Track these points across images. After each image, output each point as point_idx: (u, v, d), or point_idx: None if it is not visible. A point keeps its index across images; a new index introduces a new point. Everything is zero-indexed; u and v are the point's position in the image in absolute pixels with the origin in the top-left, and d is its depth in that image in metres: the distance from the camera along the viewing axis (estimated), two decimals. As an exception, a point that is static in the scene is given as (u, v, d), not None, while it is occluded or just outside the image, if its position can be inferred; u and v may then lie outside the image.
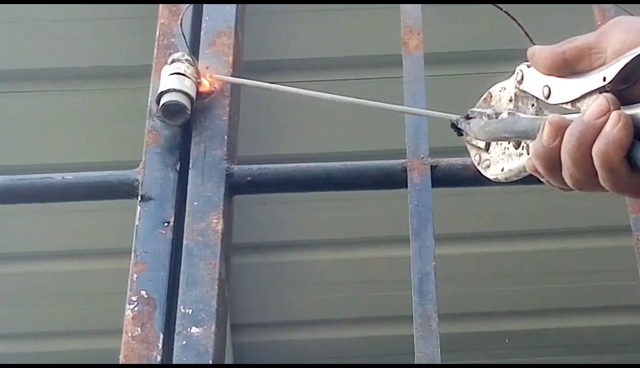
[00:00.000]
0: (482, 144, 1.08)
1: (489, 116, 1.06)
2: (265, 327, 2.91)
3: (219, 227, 1.49)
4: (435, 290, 1.46)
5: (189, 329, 1.39)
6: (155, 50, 1.67)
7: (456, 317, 2.77)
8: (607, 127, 0.87)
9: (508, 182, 1.05)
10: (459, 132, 1.11)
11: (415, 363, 1.40)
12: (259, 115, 2.34)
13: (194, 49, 1.65)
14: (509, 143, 1.03)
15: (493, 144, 1.06)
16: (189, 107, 1.56)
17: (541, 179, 0.97)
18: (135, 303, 1.42)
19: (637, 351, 2.85)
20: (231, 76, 1.63)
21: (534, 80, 0.99)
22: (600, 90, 0.91)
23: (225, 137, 1.58)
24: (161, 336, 1.39)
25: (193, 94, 1.57)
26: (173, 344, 1.39)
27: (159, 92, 1.56)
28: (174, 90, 1.55)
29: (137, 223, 1.50)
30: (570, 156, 0.89)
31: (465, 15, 2.36)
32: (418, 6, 1.74)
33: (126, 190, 1.56)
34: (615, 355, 2.95)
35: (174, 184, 1.54)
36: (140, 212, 1.51)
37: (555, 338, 2.96)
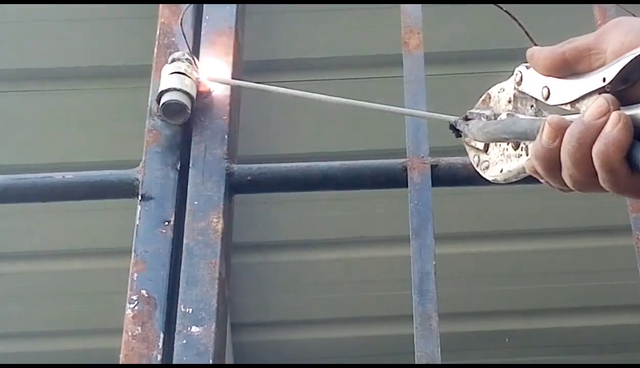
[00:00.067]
0: (480, 145, 1.07)
1: (487, 117, 1.06)
2: (265, 327, 2.91)
3: (219, 227, 1.49)
4: (435, 289, 1.46)
5: (189, 328, 1.39)
6: (155, 50, 1.67)
7: (456, 317, 2.77)
8: (607, 128, 0.87)
9: (507, 183, 1.05)
10: (458, 133, 1.10)
11: (416, 362, 1.40)
12: (259, 115, 2.34)
13: (194, 49, 1.65)
14: (508, 144, 1.03)
15: (492, 145, 1.06)
16: (189, 107, 1.56)
17: (540, 180, 0.97)
18: (136, 302, 1.42)
19: (637, 351, 2.85)
20: (231, 76, 1.63)
21: (533, 81, 0.99)
22: (600, 90, 0.91)
23: (226, 137, 1.58)
24: (161, 335, 1.39)
25: (193, 93, 1.57)
26: (173, 343, 1.39)
27: (159, 91, 1.56)
28: (174, 89, 1.55)
29: (137, 222, 1.50)
30: (570, 157, 0.89)
31: (465, 15, 2.36)
32: (418, 6, 1.74)
33: (126, 190, 1.56)
34: (615, 355, 2.95)
35: (174, 183, 1.54)
36: (140, 211, 1.52)
37: (555, 338, 2.96)
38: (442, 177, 1.57)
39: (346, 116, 2.40)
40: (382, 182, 1.60)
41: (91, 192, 1.59)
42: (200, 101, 1.59)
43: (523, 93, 1.02)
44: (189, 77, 1.56)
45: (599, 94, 0.90)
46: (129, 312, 1.41)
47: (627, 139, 0.86)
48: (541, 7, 2.23)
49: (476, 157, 1.09)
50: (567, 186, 0.93)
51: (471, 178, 1.52)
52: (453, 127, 1.11)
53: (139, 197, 1.53)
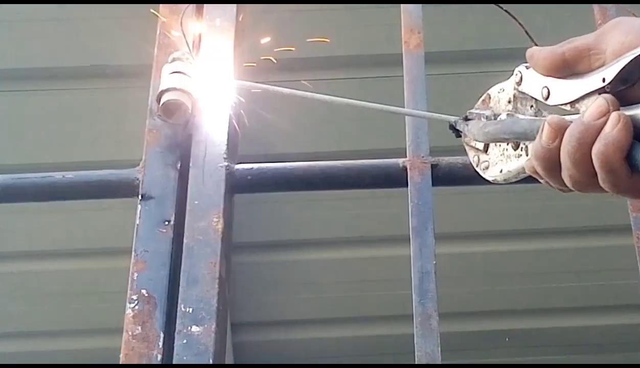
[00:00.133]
0: (480, 146, 1.07)
1: (487, 117, 1.06)
2: (265, 326, 2.91)
3: (219, 226, 1.49)
4: (435, 289, 1.46)
5: (189, 328, 1.39)
6: (155, 49, 1.67)
7: (456, 316, 2.77)
8: (607, 128, 0.87)
9: (507, 183, 1.05)
10: (458, 133, 1.10)
11: (416, 362, 1.40)
12: (259, 115, 2.34)
13: (194, 48, 1.65)
14: (507, 144, 1.03)
15: (492, 145, 1.06)
16: (190, 106, 1.56)
17: (540, 180, 0.97)
18: (136, 302, 1.42)
19: (637, 351, 2.85)
20: (231, 76, 1.62)
21: (533, 82, 0.99)
22: (600, 91, 0.91)
23: (226, 137, 1.58)
24: (161, 335, 1.39)
25: (193, 92, 1.57)
26: (173, 343, 1.39)
27: (159, 91, 1.56)
28: (175, 89, 1.55)
29: (137, 222, 1.50)
30: (569, 157, 0.89)
31: (465, 15, 2.36)
32: (418, 6, 1.74)
33: (127, 189, 1.56)
34: (616, 355, 2.96)
35: (175, 183, 1.54)
36: (140, 210, 1.51)
37: (555, 337, 2.96)
38: (442, 177, 1.57)
39: (346, 116, 2.40)
40: (382, 182, 1.60)
41: (91, 192, 1.59)
42: (200, 101, 1.59)
43: (523, 93, 1.02)
44: (189, 76, 1.56)
45: (599, 94, 0.90)
46: (129, 311, 1.41)
47: (627, 140, 0.86)
48: (541, 7, 2.23)
49: (476, 157, 1.09)
50: (566, 186, 0.93)
51: (471, 178, 1.51)
52: (453, 127, 1.11)
53: (139, 197, 1.53)
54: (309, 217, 2.65)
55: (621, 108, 0.88)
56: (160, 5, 1.73)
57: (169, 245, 1.48)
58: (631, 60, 0.88)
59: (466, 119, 1.09)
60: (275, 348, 2.93)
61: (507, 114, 1.03)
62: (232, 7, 1.73)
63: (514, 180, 1.04)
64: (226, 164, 1.56)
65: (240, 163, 1.59)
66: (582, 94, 0.93)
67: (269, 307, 2.85)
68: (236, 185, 1.56)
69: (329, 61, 2.41)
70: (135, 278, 1.44)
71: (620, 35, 0.90)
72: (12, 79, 2.43)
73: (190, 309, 1.41)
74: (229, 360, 2.79)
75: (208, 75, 1.60)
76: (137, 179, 1.54)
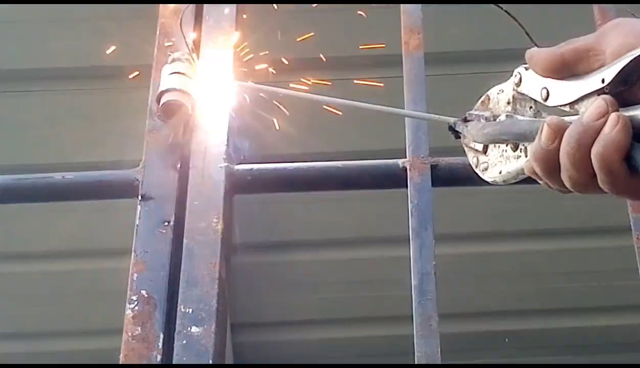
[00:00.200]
0: (479, 147, 1.07)
1: (486, 119, 1.06)
2: (265, 327, 2.91)
3: (219, 227, 1.49)
4: (435, 289, 1.46)
5: (189, 329, 1.39)
6: (155, 50, 1.67)
7: (456, 317, 2.77)
8: (606, 129, 0.87)
9: (506, 184, 1.05)
10: (457, 134, 1.10)
11: (415, 362, 1.40)
12: (259, 115, 2.34)
13: (194, 49, 1.65)
14: (507, 145, 1.03)
15: (491, 146, 1.06)
16: (189, 107, 1.56)
17: (539, 181, 0.97)
18: (136, 302, 1.42)
19: (637, 351, 2.85)
20: (231, 76, 1.62)
21: (532, 83, 0.99)
22: (599, 92, 0.91)
23: (226, 137, 1.58)
24: (161, 335, 1.39)
25: (193, 93, 1.57)
26: (173, 344, 1.39)
27: (159, 91, 1.56)
28: (174, 89, 1.55)
29: (137, 222, 1.50)
30: (569, 158, 0.89)
31: (465, 15, 2.36)
32: (418, 6, 1.74)
33: (126, 190, 1.56)
34: (615, 355, 2.96)
35: (175, 184, 1.54)
36: (140, 211, 1.51)
37: (555, 338, 2.96)
38: (442, 177, 1.57)
39: (346, 117, 2.40)
40: (382, 182, 1.60)
41: (91, 192, 1.59)
42: (200, 101, 1.59)
43: (522, 94, 1.01)
44: (188, 77, 1.56)
45: (598, 95, 0.90)
46: (128, 312, 1.41)
47: (626, 140, 0.86)
48: (541, 7, 2.23)
49: (475, 158, 1.09)
50: (566, 187, 0.93)
51: (471, 178, 1.51)
52: (452, 129, 1.11)
53: (139, 197, 1.53)
54: (309, 218, 2.65)
55: (620, 109, 0.88)
56: (160, 5, 1.73)
57: (169, 245, 1.48)
58: (630, 61, 0.88)
59: (465, 120, 1.09)
60: (275, 349, 2.93)
61: (507, 115, 1.03)
62: (232, 7, 1.73)
63: (513, 181, 1.04)
64: (226, 164, 1.56)
65: (240, 163, 1.59)
66: (581, 94, 0.93)
67: (269, 307, 2.85)
68: (236, 186, 1.56)
69: (329, 61, 2.40)
70: (135, 278, 1.44)
71: (619, 36, 0.90)
72: (11, 79, 2.43)
73: (190, 310, 1.41)
74: (228, 360, 2.79)
75: (208, 76, 1.60)
76: (137, 180, 1.54)
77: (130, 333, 1.39)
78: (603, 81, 0.90)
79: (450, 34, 2.37)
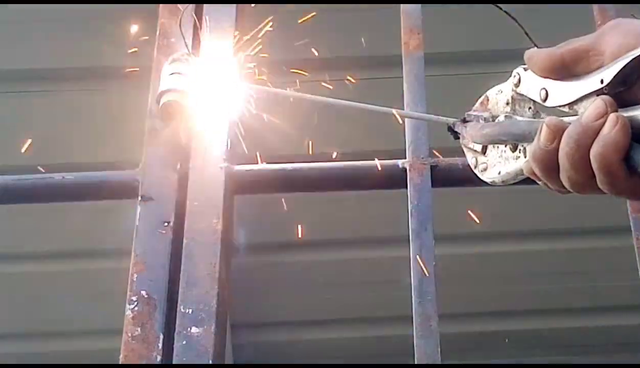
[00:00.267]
0: (478, 147, 1.07)
1: (485, 119, 1.06)
2: (265, 327, 2.91)
3: (219, 227, 1.49)
4: (435, 290, 1.46)
5: (189, 329, 1.39)
6: (155, 50, 1.67)
7: (456, 317, 2.77)
8: (605, 130, 0.87)
9: (505, 185, 1.05)
10: (456, 135, 1.10)
11: (415, 362, 1.40)
12: (258, 115, 2.34)
13: (193, 49, 1.65)
14: (506, 146, 1.03)
15: (490, 147, 1.06)
16: (189, 107, 1.56)
17: (538, 182, 0.97)
18: (135, 303, 1.42)
19: (637, 351, 2.85)
20: (231, 77, 1.62)
21: (531, 83, 0.99)
22: (598, 92, 0.91)
23: (226, 137, 1.58)
24: (161, 336, 1.39)
25: (193, 93, 1.57)
26: (173, 344, 1.39)
27: (159, 91, 1.56)
28: (174, 90, 1.55)
29: (137, 223, 1.50)
30: (568, 159, 0.89)
31: (465, 15, 2.36)
32: (418, 6, 1.74)
33: (126, 190, 1.56)
34: (615, 355, 2.96)
35: (174, 184, 1.54)
36: (140, 211, 1.51)
37: (556, 338, 2.96)
38: (441, 178, 1.57)
39: (346, 117, 2.40)
40: (382, 182, 1.60)
41: (91, 193, 1.59)
42: (200, 102, 1.59)
43: (521, 95, 1.02)
44: (188, 77, 1.56)
45: (597, 95, 0.90)
46: (128, 312, 1.41)
47: (625, 141, 0.86)
48: (541, 7, 2.23)
49: (474, 159, 1.09)
50: (565, 188, 0.93)
51: (471, 179, 1.51)
52: (451, 129, 1.11)
53: (139, 198, 1.53)
54: (308, 218, 2.65)
55: (620, 109, 0.88)
56: (160, 5, 1.73)
57: (169, 246, 1.48)
58: (629, 62, 0.88)
59: (464, 121, 1.09)
60: (275, 349, 2.92)
61: (506, 116, 1.03)
62: (232, 7, 1.73)
63: (512, 181, 1.04)
64: (226, 164, 1.56)
65: (240, 164, 1.59)
66: (580, 95, 0.93)
67: (269, 307, 2.85)
68: (236, 186, 1.56)
69: (329, 61, 2.40)
70: (134, 279, 1.44)
71: (618, 37, 0.90)
72: (11, 79, 2.43)
73: (190, 310, 1.41)
74: (228, 360, 2.79)
75: (207, 76, 1.60)
76: (137, 180, 1.54)
77: (130, 334, 1.39)
78: (602, 82, 0.90)
79: (450, 34, 2.37)
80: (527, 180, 1.01)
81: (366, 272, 2.77)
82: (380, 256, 2.72)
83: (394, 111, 1.28)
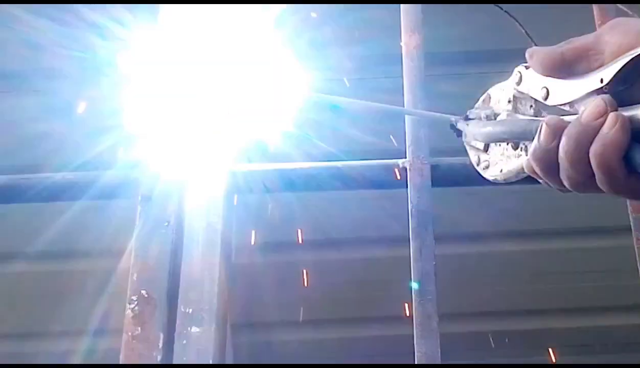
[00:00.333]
0: (480, 145, 1.08)
1: (487, 117, 1.06)
2: (265, 327, 2.90)
3: (219, 227, 1.49)
4: (435, 289, 1.46)
5: (189, 329, 1.39)
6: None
7: (456, 317, 2.77)
8: (604, 129, 0.87)
9: (507, 183, 1.06)
10: (458, 133, 1.11)
11: (416, 362, 1.40)
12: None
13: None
14: (507, 144, 1.03)
15: (492, 145, 1.06)
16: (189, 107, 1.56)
17: (539, 180, 0.97)
18: (136, 302, 1.42)
19: (637, 351, 2.85)
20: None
21: (533, 82, 0.99)
22: (598, 91, 0.91)
23: (226, 137, 1.58)
24: (161, 336, 1.39)
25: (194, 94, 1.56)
26: (173, 344, 1.39)
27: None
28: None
29: (137, 222, 1.50)
30: (567, 157, 0.89)
31: (465, 15, 2.35)
32: (418, 6, 1.74)
33: (126, 190, 1.56)
34: (615, 355, 2.95)
35: (174, 184, 1.54)
36: (140, 211, 1.51)
37: (555, 338, 2.96)
38: (442, 178, 1.57)
39: (346, 116, 2.39)
40: (382, 182, 1.60)
41: (91, 193, 1.59)
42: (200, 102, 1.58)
43: (522, 93, 1.02)
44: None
45: (597, 94, 0.90)
46: (129, 312, 1.41)
47: (625, 140, 0.86)
48: (541, 7, 2.23)
49: (476, 157, 1.09)
50: (565, 186, 0.93)
51: (471, 178, 1.51)
52: (453, 127, 1.12)
53: (139, 198, 1.53)
54: (308, 217, 2.65)
55: (619, 109, 0.88)
56: (160, 5, 1.73)
57: (169, 245, 1.48)
58: (629, 61, 0.88)
59: (466, 119, 1.10)
60: (275, 349, 2.92)
61: (507, 114, 1.03)
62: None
63: (514, 179, 1.04)
64: (226, 164, 1.56)
65: (240, 163, 1.59)
66: (580, 94, 0.93)
67: (269, 307, 2.85)
68: (236, 186, 1.56)
69: (329, 62, 2.40)
70: (135, 279, 1.44)
71: (619, 36, 0.91)
72: (11, 79, 2.43)
73: (190, 310, 1.41)
74: (228, 360, 2.79)
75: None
76: (137, 180, 1.54)
77: (130, 334, 1.39)
78: (602, 81, 0.90)
79: (450, 34, 2.37)
80: (529, 179, 1.01)
81: (366, 272, 2.77)
82: (380, 256, 2.72)
83: (397, 109, 1.28)
